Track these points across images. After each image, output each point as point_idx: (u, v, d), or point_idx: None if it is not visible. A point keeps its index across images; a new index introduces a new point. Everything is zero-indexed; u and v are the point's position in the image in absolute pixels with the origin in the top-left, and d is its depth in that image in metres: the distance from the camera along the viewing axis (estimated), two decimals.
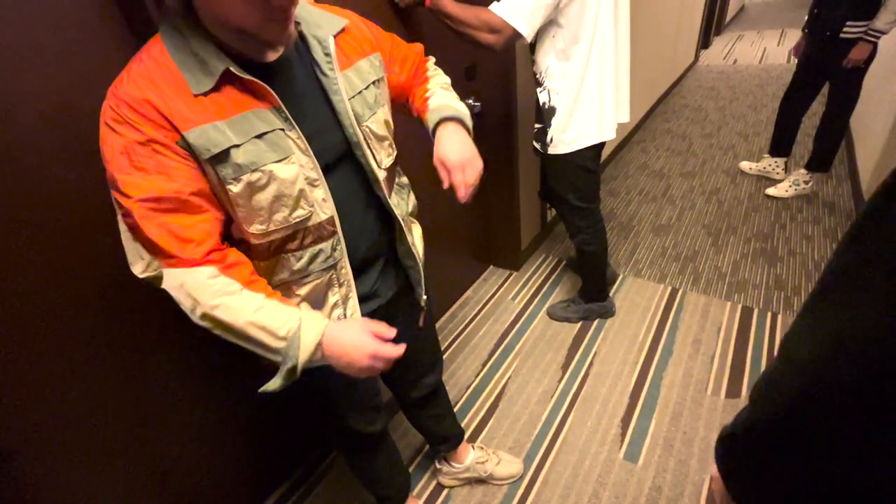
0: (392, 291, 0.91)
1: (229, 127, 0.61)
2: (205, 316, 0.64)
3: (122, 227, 0.62)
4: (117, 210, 0.61)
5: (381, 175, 0.79)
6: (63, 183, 0.81)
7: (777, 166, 2.75)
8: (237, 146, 0.62)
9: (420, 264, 0.92)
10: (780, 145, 2.70)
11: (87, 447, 0.96)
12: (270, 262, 0.72)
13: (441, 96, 0.90)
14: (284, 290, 0.75)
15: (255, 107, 0.63)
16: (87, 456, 0.96)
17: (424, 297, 0.96)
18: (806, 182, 2.55)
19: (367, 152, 0.75)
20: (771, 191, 2.62)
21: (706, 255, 2.25)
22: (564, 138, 1.46)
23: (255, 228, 0.67)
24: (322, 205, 0.71)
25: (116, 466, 1.01)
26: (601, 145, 1.52)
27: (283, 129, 0.65)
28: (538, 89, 1.44)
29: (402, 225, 0.85)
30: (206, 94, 0.60)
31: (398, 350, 0.70)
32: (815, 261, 2.12)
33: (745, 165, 2.92)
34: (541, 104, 1.45)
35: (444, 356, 1.86)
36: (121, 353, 0.96)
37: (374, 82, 0.77)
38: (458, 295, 2.16)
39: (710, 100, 4.18)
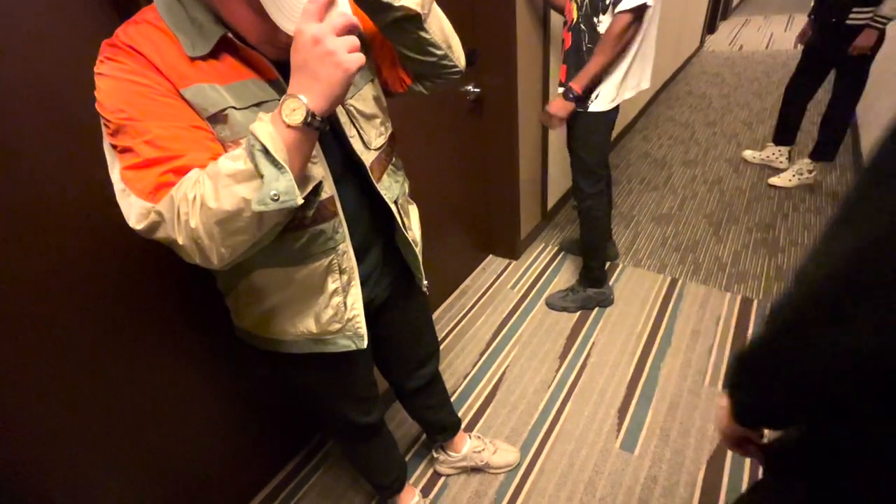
0: (390, 278, 0.90)
1: (228, 91, 0.60)
2: (198, 225, 0.54)
3: (116, 179, 0.56)
4: (113, 161, 0.56)
5: (370, 157, 0.76)
6: (48, 167, 0.79)
7: (781, 155, 2.71)
8: (236, 108, 0.60)
9: (417, 248, 0.90)
10: (784, 133, 2.67)
11: (91, 438, 0.96)
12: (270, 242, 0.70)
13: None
14: (283, 272, 0.73)
15: (253, 76, 0.62)
16: (90, 447, 0.96)
17: (425, 282, 0.95)
18: (809, 171, 2.52)
19: (354, 132, 0.73)
20: (774, 180, 2.60)
21: (707, 245, 2.24)
22: (610, 94, 1.53)
23: None
24: (322, 183, 0.68)
25: (118, 457, 1.02)
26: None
27: (278, 100, 0.62)
28: (593, 48, 1.48)
29: (395, 209, 0.83)
30: (203, 58, 0.58)
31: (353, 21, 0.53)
32: None
33: (748, 154, 2.88)
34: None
35: (443, 345, 1.86)
36: (123, 344, 0.95)
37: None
38: (457, 284, 2.15)
39: (714, 87, 4.12)
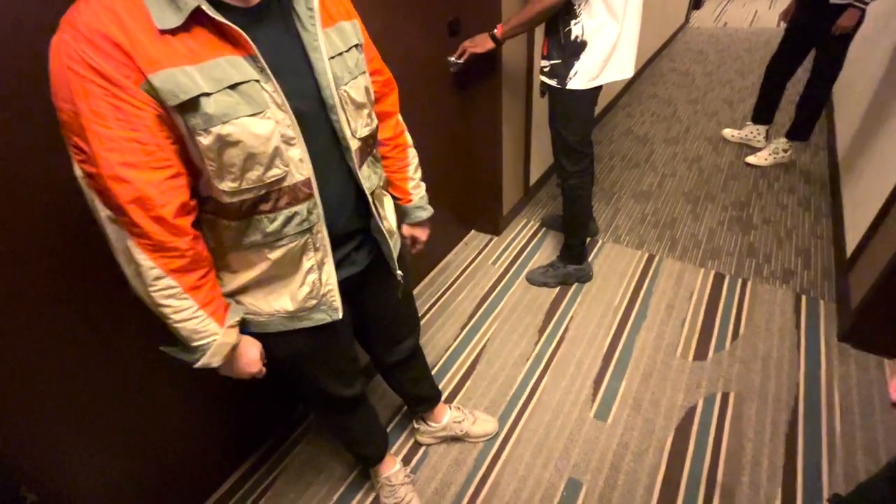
0: (367, 261, 0.90)
1: (199, 73, 0.56)
2: (144, 296, 0.65)
3: (78, 172, 0.58)
4: (72, 155, 0.57)
5: (355, 145, 0.76)
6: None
7: (759, 134, 2.75)
8: (207, 95, 0.57)
9: (391, 239, 0.91)
10: (763, 111, 2.70)
11: (69, 424, 0.95)
12: (242, 222, 0.69)
13: (421, 191, 1.05)
14: (256, 253, 0.72)
15: (228, 53, 0.58)
16: (69, 432, 0.95)
17: (399, 272, 0.95)
18: (785, 151, 2.58)
19: (343, 118, 0.72)
20: (751, 159, 2.64)
21: (684, 222, 2.28)
22: (590, 73, 1.49)
23: (227, 185, 0.64)
24: (299, 165, 0.68)
25: (96, 441, 1.01)
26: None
27: (258, 81, 0.61)
28: (572, 22, 1.44)
29: (372, 199, 0.83)
30: (173, 32, 0.55)
31: (262, 373, 0.82)
32: (787, 228, 2.17)
33: (727, 133, 2.92)
34: (571, 38, 1.45)
35: (424, 319, 1.87)
36: (97, 328, 0.93)
37: (355, 46, 0.74)
38: (439, 259, 2.16)
39: (698, 64, 4.12)
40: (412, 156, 1.02)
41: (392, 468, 1.28)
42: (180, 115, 0.57)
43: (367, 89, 0.77)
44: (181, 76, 0.55)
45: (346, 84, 0.72)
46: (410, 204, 1.04)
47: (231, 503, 1.33)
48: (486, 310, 1.90)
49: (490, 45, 1.56)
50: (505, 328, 1.81)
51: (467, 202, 2.20)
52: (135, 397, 1.06)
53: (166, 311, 0.66)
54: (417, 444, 1.46)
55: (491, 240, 2.27)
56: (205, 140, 0.59)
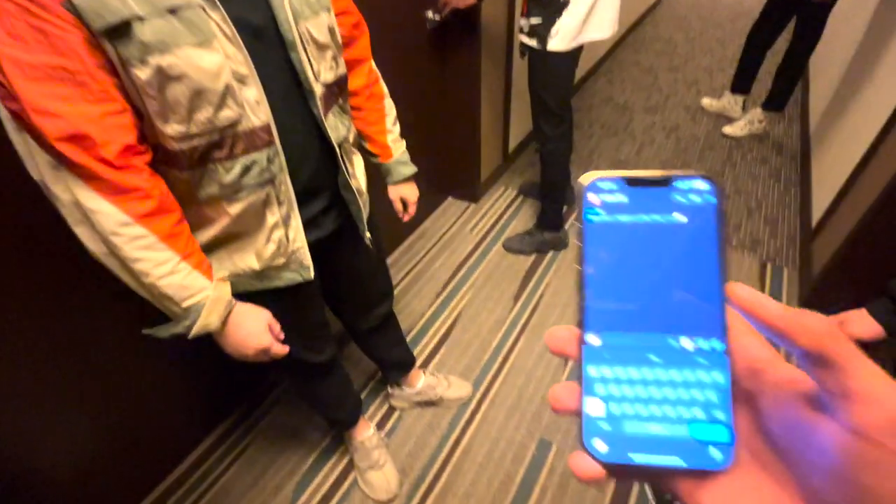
0: (335, 224, 0.85)
1: None
2: (110, 255, 0.58)
3: (5, 114, 0.51)
4: None
5: (318, 90, 0.69)
6: None
7: (736, 104, 2.76)
8: (141, 19, 0.50)
9: (360, 199, 0.86)
10: (742, 80, 2.70)
11: (32, 394, 0.91)
12: (195, 173, 0.63)
13: (402, 146, 1.00)
14: (214, 207, 0.66)
15: None
16: (31, 402, 0.91)
17: (368, 234, 0.90)
18: (760, 122, 2.60)
19: (303, 58, 0.66)
20: (727, 129, 2.66)
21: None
22: (570, 33, 1.44)
23: (174, 129, 0.57)
24: (255, 108, 0.62)
25: (62, 412, 0.97)
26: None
27: (203, 8, 0.54)
28: None
29: (340, 152, 0.77)
30: None
31: (284, 350, 0.77)
32: (758, 199, 2.21)
33: (706, 102, 2.92)
34: None
35: (400, 286, 1.86)
36: (55, 293, 0.88)
37: None
38: (416, 226, 2.12)
39: (680, 31, 4.06)
40: (389, 107, 0.95)
41: (366, 432, 1.29)
42: (109, 43, 0.50)
43: (331, 29, 0.70)
44: None
45: (306, 20, 0.65)
46: (391, 160, 0.98)
47: (202, 469, 1.33)
48: (462, 277, 1.89)
49: (471, 1, 1.48)
50: (481, 295, 1.81)
51: (444, 169, 2.16)
52: (100, 365, 1.02)
53: (143, 265, 0.58)
54: (392, 409, 1.47)
55: (468, 207, 2.24)
56: (142, 74, 0.52)
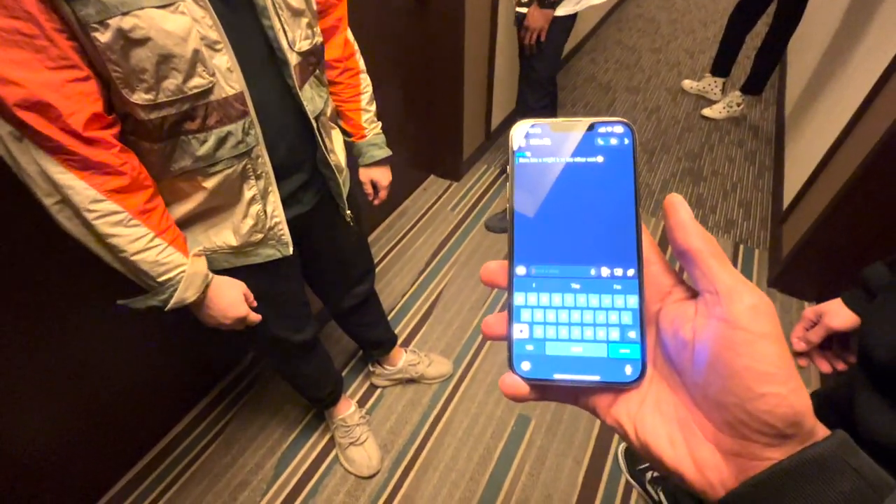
0: (315, 200, 0.83)
1: None
2: (83, 230, 0.56)
3: None
4: None
5: (293, 59, 0.66)
6: None
7: (716, 87, 2.79)
8: None
9: (339, 175, 0.83)
10: (723, 63, 2.72)
11: (9, 376, 0.87)
12: (167, 144, 0.60)
13: (377, 127, 0.96)
14: (189, 181, 0.64)
15: None
16: (11, 384, 0.88)
17: (349, 212, 0.89)
18: (738, 104, 2.64)
19: (277, 24, 0.62)
20: (706, 111, 2.69)
21: (641, 171, 2.32)
22: None
23: (141, 98, 0.54)
24: (227, 76, 0.58)
25: (39, 391, 0.94)
26: None
27: None
28: None
29: (317, 125, 0.74)
30: None
31: (257, 318, 0.77)
32: (733, 181, 2.26)
33: (686, 84, 2.94)
34: None
35: (382, 265, 1.84)
36: (32, 274, 0.83)
37: None
38: (397, 204, 2.09)
39: (664, 11, 4.04)
40: (365, 83, 0.92)
41: (347, 410, 1.30)
42: (67, 5, 0.46)
43: None
44: None
45: None
46: (364, 140, 0.95)
47: (181, 447, 1.31)
48: (443, 256, 1.89)
49: (551, 14, 1.47)
50: (462, 274, 1.82)
51: (426, 146, 2.12)
52: (72, 343, 0.98)
53: (118, 241, 0.57)
54: (373, 387, 1.47)
55: (450, 185, 2.22)
56: (102, 37, 0.49)
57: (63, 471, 1.06)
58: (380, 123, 0.98)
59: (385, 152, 0.98)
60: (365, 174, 1.01)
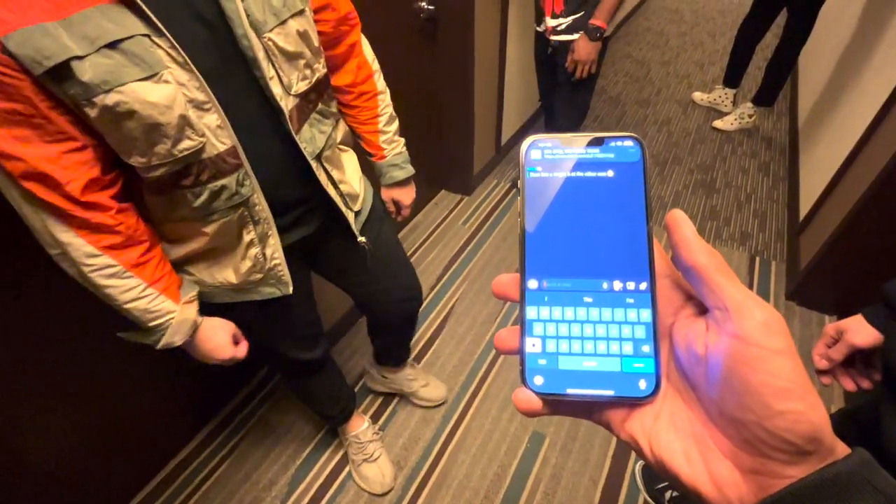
0: (320, 221, 0.82)
1: (66, 30, 0.46)
2: (80, 279, 0.60)
3: None
4: None
5: (289, 103, 0.65)
6: None
7: (727, 98, 2.78)
8: (80, 58, 0.47)
9: (353, 203, 0.83)
10: (732, 75, 2.72)
11: (22, 397, 0.89)
12: (166, 197, 0.63)
13: (397, 146, 0.94)
14: (190, 226, 0.67)
15: (98, 1, 0.47)
16: (23, 405, 0.90)
17: (362, 238, 0.87)
18: (750, 116, 2.62)
19: (269, 73, 0.61)
20: (717, 123, 2.68)
21: (652, 184, 2.31)
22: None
23: (136, 161, 0.56)
24: (217, 133, 0.59)
25: (47, 411, 0.95)
26: None
27: (147, 36, 0.50)
28: None
29: (316, 164, 0.73)
30: None
31: (243, 352, 0.77)
32: (747, 193, 2.24)
33: (697, 96, 2.93)
34: None
35: None
36: (44, 298, 0.85)
37: None
38: (409, 219, 2.11)
39: (672, 24, 4.07)
40: (383, 105, 0.90)
41: (360, 426, 1.29)
42: (55, 85, 0.48)
43: (303, 33, 0.64)
44: (41, 37, 0.45)
45: (270, 31, 0.60)
46: (384, 161, 0.94)
47: (195, 464, 1.32)
48: (455, 270, 1.89)
49: (599, 46, 1.52)
50: (474, 288, 1.82)
51: (438, 161, 2.14)
52: (85, 360, 1.00)
53: (111, 291, 0.60)
54: (386, 403, 1.47)
55: (461, 200, 2.24)
56: (91, 112, 0.51)
57: (79, 488, 1.07)
58: (402, 141, 0.95)
59: (406, 172, 0.96)
60: (386, 194, 1.00)
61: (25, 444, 0.94)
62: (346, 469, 1.31)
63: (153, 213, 0.66)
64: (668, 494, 1.20)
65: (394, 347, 1.31)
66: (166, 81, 0.53)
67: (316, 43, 0.69)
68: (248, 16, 0.57)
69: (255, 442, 1.37)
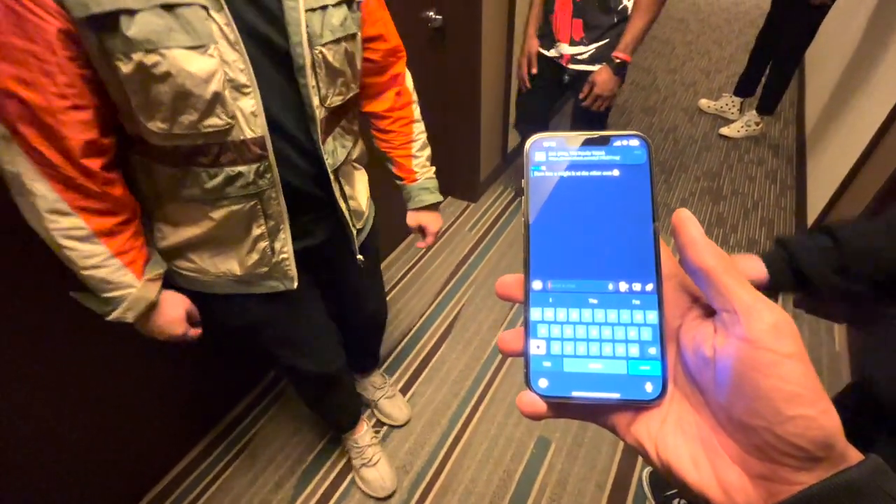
0: (326, 234, 0.83)
1: None
2: (41, 232, 0.57)
3: None
4: None
5: (321, 114, 0.66)
6: None
7: (733, 106, 2.78)
8: (131, 13, 0.47)
9: (357, 221, 0.84)
10: (747, 84, 2.68)
11: (25, 401, 0.90)
12: (178, 170, 0.61)
13: (429, 171, 0.94)
14: (197, 208, 0.65)
15: None
16: (26, 409, 0.91)
17: (360, 257, 0.87)
18: (757, 123, 2.62)
19: (311, 82, 0.62)
20: (724, 130, 2.68)
21: (658, 191, 2.31)
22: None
23: (157, 126, 0.55)
24: (251, 119, 0.59)
25: (55, 415, 0.97)
26: None
27: (206, 7, 0.50)
28: None
29: (333, 177, 0.74)
30: None
31: (196, 335, 0.75)
32: (754, 200, 2.23)
33: (703, 103, 2.94)
34: (619, 7, 1.39)
35: (399, 285, 1.86)
36: (44, 300, 0.87)
37: (347, 2, 0.63)
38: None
39: (678, 32, 4.09)
40: (418, 132, 0.92)
41: (360, 431, 1.29)
42: (93, 33, 0.47)
43: (350, 55, 0.66)
44: None
45: (323, 44, 0.62)
46: (415, 184, 0.93)
47: (201, 468, 1.33)
48: (461, 276, 1.90)
49: (620, 80, 1.49)
50: (480, 293, 1.82)
51: (444, 168, 2.14)
52: (90, 365, 1.01)
53: (70, 254, 0.57)
54: None
55: (467, 206, 2.25)
56: (125, 68, 0.50)
57: (85, 490, 1.08)
58: (433, 169, 0.95)
59: (436, 198, 0.94)
60: (413, 218, 0.96)
61: (25, 449, 0.94)
62: (352, 474, 1.31)
63: (161, 188, 0.64)
64: (675, 502, 1.19)
65: (360, 355, 1.31)
66: (211, 56, 0.52)
67: (358, 66, 0.71)
68: (307, 25, 0.59)
69: (262, 445, 1.38)
